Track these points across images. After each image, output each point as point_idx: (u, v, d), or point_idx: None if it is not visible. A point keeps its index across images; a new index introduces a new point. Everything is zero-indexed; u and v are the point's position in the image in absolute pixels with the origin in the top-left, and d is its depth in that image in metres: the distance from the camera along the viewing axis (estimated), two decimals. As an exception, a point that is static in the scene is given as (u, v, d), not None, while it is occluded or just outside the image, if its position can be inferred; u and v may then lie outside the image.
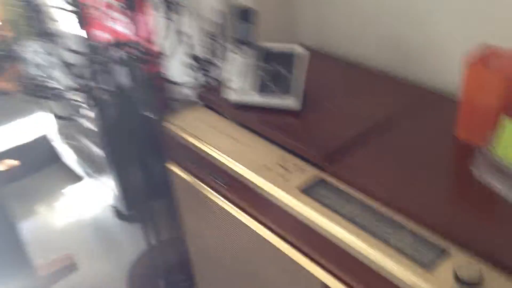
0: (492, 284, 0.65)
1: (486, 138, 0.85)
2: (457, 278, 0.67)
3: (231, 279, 1.15)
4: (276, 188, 0.87)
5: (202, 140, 1.01)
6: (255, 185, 0.90)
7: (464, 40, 0.99)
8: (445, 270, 0.68)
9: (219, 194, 1.02)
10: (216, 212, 1.04)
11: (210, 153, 0.99)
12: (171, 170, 1.15)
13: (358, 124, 0.96)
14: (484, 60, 0.86)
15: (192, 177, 1.09)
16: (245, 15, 0.99)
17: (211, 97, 1.11)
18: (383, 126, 0.96)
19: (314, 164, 0.89)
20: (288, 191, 0.85)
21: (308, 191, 0.84)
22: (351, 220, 0.78)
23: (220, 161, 0.97)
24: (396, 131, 0.95)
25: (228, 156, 0.96)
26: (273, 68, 0.99)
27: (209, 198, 1.05)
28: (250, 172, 0.91)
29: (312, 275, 0.85)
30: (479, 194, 0.79)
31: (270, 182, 0.88)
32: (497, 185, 0.79)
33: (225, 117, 1.06)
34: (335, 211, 0.80)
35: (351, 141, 0.92)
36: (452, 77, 1.01)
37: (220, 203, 1.02)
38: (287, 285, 0.94)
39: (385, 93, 1.07)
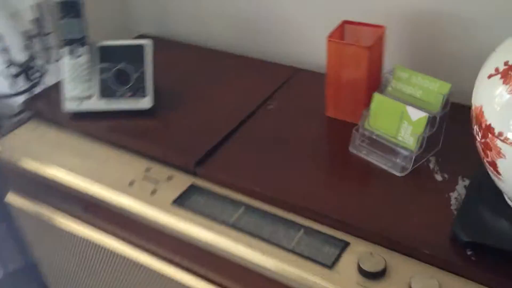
0: (397, 270, 0.61)
1: (357, 114, 0.82)
2: (362, 271, 0.61)
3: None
4: (144, 206, 0.74)
5: (43, 163, 0.84)
6: (118, 206, 0.76)
7: (326, 17, 0.94)
8: (348, 265, 0.63)
9: (75, 222, 0.86)
10: (74, 242, 0.88)
11: (56, 177, 0.82)
12: (9, 201, 0.95)
13: (227, 116, 0.86)
14: (342, 34, 0.83)
15: (37, 206, 0.91)
16: (70, 8, 0.82)
17: (45, 109, 0.92)
18: (254, 114, 0.87)
19: (184, 170, 0.78)
20: (158, 207, 0.73)
21: (181, 202, 0.73)
22: (235, 227, 0.69)
23: (70, 184, 0.81)
24: (269, 117, 0.87)
25: (80, 177, 0.80)
26: (115, 67, 0.85)
27: (62, 228, 0.88)
28: (109, 192, 0.77)
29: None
30: (364, 174, 0.75)
31: (135, 199, 0.75)
32: (378, 160, 0.75)
33: (68, 131, 0.89)
34: (215, 219, 0.70)
35: (222, 136, 0.82)
36: (317, 56, 0.98)
37: (78, 232, 0.86)
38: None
39: (249, 78, 0.98)
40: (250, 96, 0.91)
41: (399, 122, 0.74)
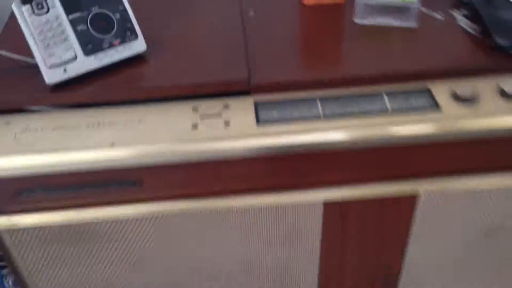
0: (481, 88, 0.70)
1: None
2: (459, 99, 0.69)
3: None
4: (231, 141, 0.65)
5: (63, 152, 0.65)
6: (197, 156, 0.66)
7: None
8: (447, 101, 0.69)
9: (124, 205, 0.71)
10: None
11: (88, 158, 0.65)
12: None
13: (226, 32, 0.79)
14: None
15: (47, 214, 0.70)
16: None
17: (24, 91, 0.69)
18: (243, 25, 0.82)
19: (235, 93, 0.70)
20: (246, 134, 0.66)
21: (263, 119, 0.67)
22: (329, 117, 0.68)
23: (115, 162, 0.65)
24: (259, 23, 0.82)
25: (126, 148, 0.64)
26: (88, 14, 0.68)
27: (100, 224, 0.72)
28: (175, 145, 0.65)
29: (314, 195, 0.73)
30: (387, 34, 0.79)
31: (217, 139, 0.65)
32: (388, 20, 0.81)
33: (60, 110, 0.69)
34: (307, 119, 0.67)
35: (243, 48, 0.75)
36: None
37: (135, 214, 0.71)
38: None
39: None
40: (224, 14, 0.85)
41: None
